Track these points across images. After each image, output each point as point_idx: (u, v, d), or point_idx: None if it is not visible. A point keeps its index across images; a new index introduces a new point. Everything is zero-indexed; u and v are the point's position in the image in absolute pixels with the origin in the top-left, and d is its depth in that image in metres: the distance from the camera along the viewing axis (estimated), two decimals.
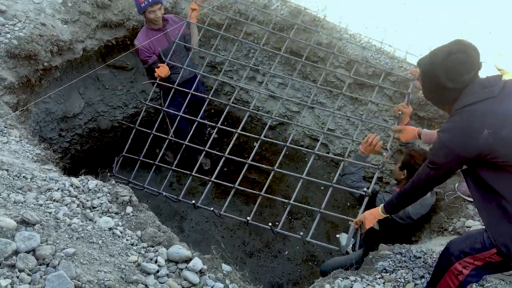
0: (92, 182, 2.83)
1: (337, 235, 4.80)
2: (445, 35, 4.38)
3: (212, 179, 3.74)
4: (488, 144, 1.90)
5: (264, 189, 3.71)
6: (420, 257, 2.88)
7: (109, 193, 2.78)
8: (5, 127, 3.31)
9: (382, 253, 2.96)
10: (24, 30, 3.89)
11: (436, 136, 2.17)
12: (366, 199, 3.12)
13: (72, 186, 2.74)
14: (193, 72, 4.75)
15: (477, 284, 2.66)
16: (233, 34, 5.37)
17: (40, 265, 2.06)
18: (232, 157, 3.89)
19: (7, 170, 2.68)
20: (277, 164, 3.83)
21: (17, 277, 1.94)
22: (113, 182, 2.94)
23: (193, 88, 4.30)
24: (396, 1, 4.77)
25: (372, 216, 2.68)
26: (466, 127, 1.96)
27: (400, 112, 3.42)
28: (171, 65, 4.43)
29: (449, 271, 2.27)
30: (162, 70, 4.36)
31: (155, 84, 4.39)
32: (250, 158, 3.83)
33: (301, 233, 3.19)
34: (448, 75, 2.02)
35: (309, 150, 4.29)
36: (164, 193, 3.79)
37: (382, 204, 2.61)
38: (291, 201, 3.79)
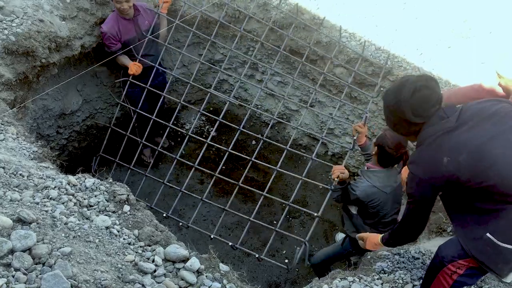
0: (89, 181, 2.81)
1: (336, 235, 4.79)
2: (445, 35, 4.38)
3: (217, 173, 4.03)
4: (449, 171, 2.04)
5: (266, 189, 3.74)
6: (418, 258, 2.88)
7: (106, 191, 2.76)
8: (2, 124, 3.29)
9: (380, 254, 2.96)
10: (22, 26, 3.86)
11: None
12: (329, 194, 3.60)
13: (69, 184, 2.72)
14: (156, 60, 4.79)
15: (475, 285, 2.65)
16: (232, 32, 5.35)
17: (36, 264, 2.04)
18: (235, 152, 3.88)
19: (3, 168, 2.66)
20: (279, 164, 3.88)
21: (13, 276, 1.92)
22: (111, 180, 2.92)
23: (152, 74, 4.55)
24: (396, 0, 4.75)
25: (372, 243, 2.76)
26: (429, 157, 2.12)
27: (357, 133, 3.69)
28: (143, 54, 4.58)
29: (443, 271, 2.30)
30: (137, 69, 4.58)
31: (127, 81, 4.54)
32: (254, 156, 3.88)
33: (257, 255, 3.71)
34: (414, 111, 2.12)
35: (307, 156, 4.29)
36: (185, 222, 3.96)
37: (381, 237, 2.67)
38: (290, 203, 3.82)
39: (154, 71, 4.58)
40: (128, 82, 4.53)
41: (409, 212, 2.29)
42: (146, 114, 4.47)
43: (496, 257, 2.10)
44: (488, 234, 2.08)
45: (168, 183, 4.16)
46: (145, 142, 4.51)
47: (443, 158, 2.04)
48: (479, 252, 2.13)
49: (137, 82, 4.54)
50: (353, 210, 3.56)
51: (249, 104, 5.73)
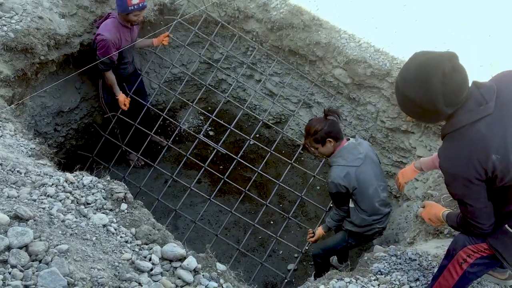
0: (87, 178, 2.79)
1: None
2: (444, 37, 4.39)
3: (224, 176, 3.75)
4: (497, 169, 1.84)
5: (268, 200, 3.79)
6: (415, 260, 2.88)
7: (104, 189, 2.75)
8: (0, 121, 3.28)
9: (377, 255, 2.96)
10: (21, 23, 3.85)
11: (437, 159, 2.05)
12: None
13: (66, 181, 2.71)
14: (133, 65, 4.99)
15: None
16: (231, 32, 5.35)
17: (33, 261, 2.03)
18: (242, 161, 3.88)
19: (1, 165, 2.65)
20: (260, 166, 3.87)
21: (9, 273, 1.91)
22: (108, 178, 2.91)
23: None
24: (396, 2, 4.76)
25: (433, 214, 2.48)
26: (471, 152, 1.86)
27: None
28: (130, 61, 4.80)
29: (454, 259, 2.24)
30: (127, 103, 4.71)
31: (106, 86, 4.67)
32: (239, 155, 3.85)
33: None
34: (447, 101, 1.83)
35: (287, 160, 4.27)
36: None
37: (446, 214, 2.38)
38: (289, 216, 3.86)
39: (135, 76, 4.84)
40: (106, 87, 4.69)
41: (465, 212, 2.08)
42: (128, 120, 4.68)
43: (511, 248, 2.06)
44: (506, 226, 2.01)
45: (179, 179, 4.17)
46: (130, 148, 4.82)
47: (490, 154, 1.82)
48: (495, 239, 2.07)
49: (125, 106, 4.75)
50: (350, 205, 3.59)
51: (244, 104, 5.75)
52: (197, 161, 4.73)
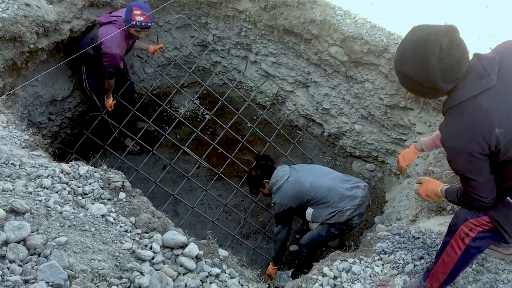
0: (83, 168, 2.74)
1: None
2: (441, 10, 4.31)
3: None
4: (500, 143, 1.80)
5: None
6: (419, 238, 2.86)
7: (101, 178, 2.70)
8: None
9: (380, 234, 2.94)
10: (8, 11, 3.74)
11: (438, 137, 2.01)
12: None
13: (62, 172, 2.66)
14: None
15: (477, 264, 2.64)
16: (224, 12, 5.25)
17: (32, 255, 2.00)
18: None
19: None
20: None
21: (8, 268, 1.87)
22: (105, 167, 2.86)
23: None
24: None
25: (430, 190, 2.47)
26: (473, 126, 1.82)
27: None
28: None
29: (456, 234, 2.21)
30: (112, 106, 4.78)
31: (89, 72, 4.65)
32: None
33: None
34: (445, 77, 1.79)
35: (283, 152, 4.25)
36: None
37: (445, 189, 2.36)
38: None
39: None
40: (89, 72, 4.66)
41: (467, 186, 2.04)
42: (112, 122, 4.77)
43: None
44: (508, 198, 1.99)
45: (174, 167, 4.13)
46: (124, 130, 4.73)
47: (494, 128, 1.77)
48: (497, 212, 2.05)
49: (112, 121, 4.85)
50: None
51: (233, 84, 5.69)
52: (193, 154, 4.68)
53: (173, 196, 4.52)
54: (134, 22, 4.15)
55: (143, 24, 4.20)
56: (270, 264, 4.28)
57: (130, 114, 4.84)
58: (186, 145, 4.79)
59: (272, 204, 4.06)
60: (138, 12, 4.15)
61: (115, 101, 4.80)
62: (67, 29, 4.36)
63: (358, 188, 3.80)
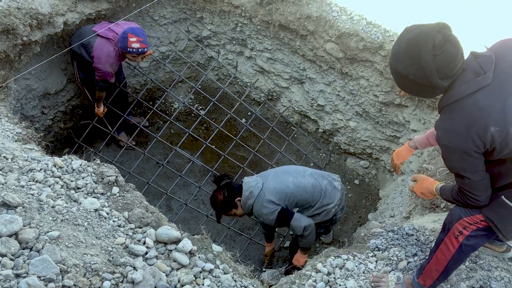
0: (76, 162, 2.72)
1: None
2: (437, 7, 4.31)
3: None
4: (495, 142, 1.80)
5: None
6: (412, 235, 2.86)
7: (94, 173, 2.68)
8: None
9: (374, 231, 2.94)
10: (1, 3, 3.69)
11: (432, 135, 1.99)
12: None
13: (55, 166, 2.64)
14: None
15: (470, 261, 2.65)
16: (220, 7, 5.22)
17: (23, 249, 1.98)
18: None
19: None
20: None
21: None
22: (98, 161, 2.84)
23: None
24: None
25: (425, 188, 2.50)
26: (469, 124, 1.81)
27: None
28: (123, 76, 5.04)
29: (450, 232, 2.22)
30: (103, 113, 4.77)
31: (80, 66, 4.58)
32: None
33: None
34: (441, 73, 1.78)
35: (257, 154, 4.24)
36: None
37: (440, 187, 2.39)
38: None
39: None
40: (80, 67, 4.59)
41: (461, 184, 2.05)
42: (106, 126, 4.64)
43: (506, 219, 2.04)
44: (503, 197, 2.00)
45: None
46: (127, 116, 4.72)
47: (489, 126, 1.77)
48: (491, 211, 2.06)
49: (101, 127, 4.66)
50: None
51: (228, 79, 5.66)
52: (186, 154, 4.66)
53: (167, 195, 4.50)
54: (131, 49, 4.18)
55: (139, 50, 4.21)
56: (300, 252, 3.80)
57: (126, 114, 4.81)
58: (178, 145, 4.78)
59: (261, 222, 3.74)
60: (134, 39, 4.15)
61: (106, 109, 4.80)
62: (61, 22, 4.32)
63: (335, 181, 3.62)
